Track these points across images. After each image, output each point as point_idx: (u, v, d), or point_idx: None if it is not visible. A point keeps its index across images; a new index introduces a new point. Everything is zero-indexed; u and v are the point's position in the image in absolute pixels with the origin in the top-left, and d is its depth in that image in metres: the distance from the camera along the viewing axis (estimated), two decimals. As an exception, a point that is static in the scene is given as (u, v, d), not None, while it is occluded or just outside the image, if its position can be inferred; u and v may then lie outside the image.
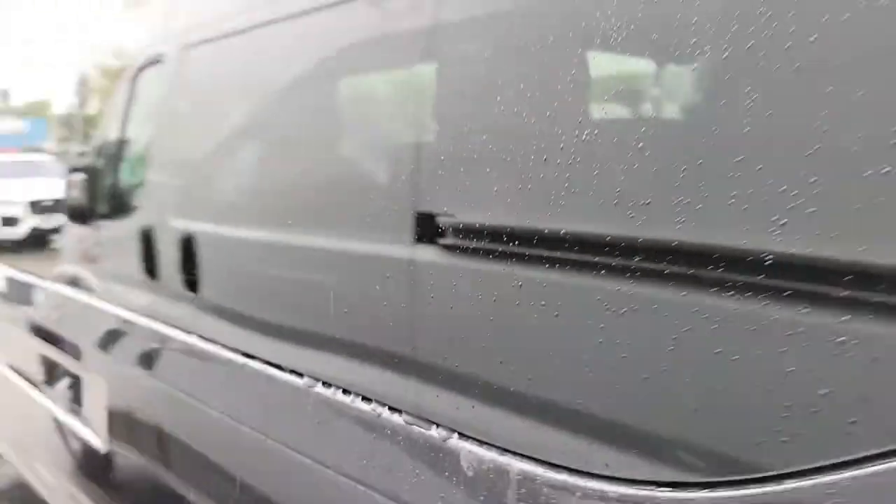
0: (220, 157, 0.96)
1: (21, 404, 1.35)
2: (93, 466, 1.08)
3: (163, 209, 1.05)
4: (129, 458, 0.99)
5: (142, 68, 1.30)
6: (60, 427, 1.19)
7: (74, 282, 1.29)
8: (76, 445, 1.13)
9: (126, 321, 1.09)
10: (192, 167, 1.02)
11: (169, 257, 1.00)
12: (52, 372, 1.27)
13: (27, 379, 1.36)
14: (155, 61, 1.23)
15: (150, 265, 1.03)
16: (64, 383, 1.22)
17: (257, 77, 0.90)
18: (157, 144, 1.12)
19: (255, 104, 0.89)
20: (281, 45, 0.83)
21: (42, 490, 1.21)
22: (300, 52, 0.79)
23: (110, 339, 1.15)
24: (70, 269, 1.34)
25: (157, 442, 0.93)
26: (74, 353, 1.21)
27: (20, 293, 1.50)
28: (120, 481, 0.96)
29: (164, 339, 1.00)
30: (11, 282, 1.56)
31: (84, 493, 1.08)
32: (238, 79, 0.96)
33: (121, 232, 1.18)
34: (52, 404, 1.24)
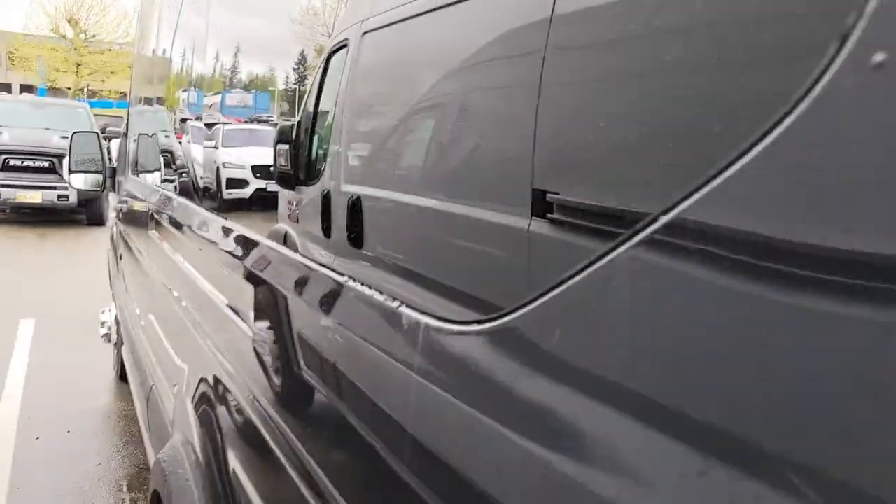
0: (378, 130, 1.12)
1: (235, 336, 1.63)
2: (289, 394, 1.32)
3: (337, 176, 1.23)
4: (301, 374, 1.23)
5: (332, 52, 1.44)
6: (257, 349, 1.46)
7: (283, 238, 1.47)
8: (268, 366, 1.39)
9: (308, 268, 1.29)
10: (358, 139, 1.19)
11: (340, 217, 1.17)
12: (257, 309, 1.53)
13: (239, 315, 1.63)
14: (342, 46, 1.38)
15: (327, 224, 1.18)
16: (258, 314, 1.49)
17: (413, 62, 1.00)
18: (338, 118, 1.23)
19: (410, 86, 0.99)
20: (436, 34, 0.92)
21: (246, 407, 1.46)
22: (450, 40, 0.88)
23: (292, 282, 1.37)
24: (281, 227, 1.53)
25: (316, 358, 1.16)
26: (269, 294, 1.47)
27: (238, 247, 1.78)
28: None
29: (318, 275, 1.20)
30: (234, 237, 1.84)
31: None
32: (396, 64, 1.09)
33: (311, 195, 1.31)
34: (253, 333, 1.52)
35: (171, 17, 3.05)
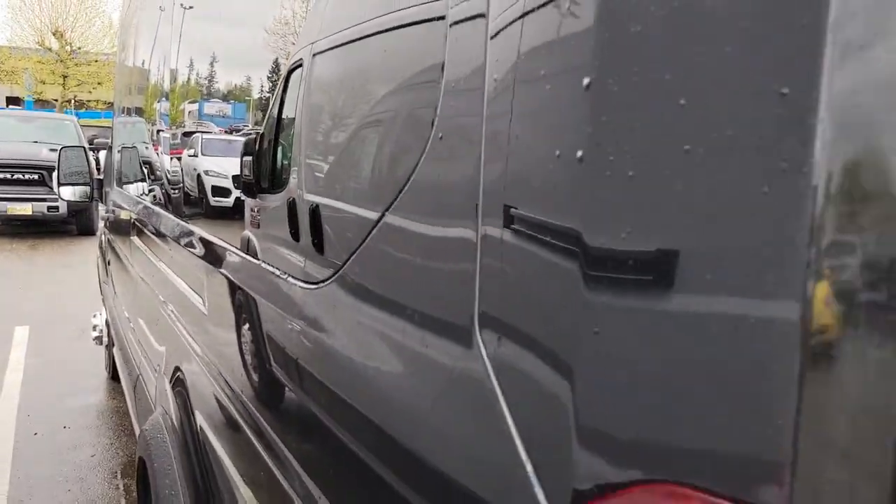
0: (325, 144, 1.25)
1: (199, 324, 1.89)
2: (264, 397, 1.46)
3: (298, 186, 1.29)
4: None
5: (290, 70, 1.61)
6: (239, 344, 1.58)
7: (247, 244, 1.58)
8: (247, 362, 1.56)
9: (263, 270, 1.45)
10: (310, 151, 1.29)
11: (302, 224, 1.24)
12: (213, 299, 1.77)
13: (202, 306, 1.89)
14: (298, 65, 1.58)
15: (294, 230, 1.28)
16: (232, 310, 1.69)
17: (348, 84, 1.17)
18: (296, 132, 1.36)
19: (349, 105, 1.15)
20: (369, 59, 1.08)
21: (210, 381, 1.73)
22: (381, 65, 1.03)
23: (253, 282, 1.58)
24: (246, 234, 1.63)
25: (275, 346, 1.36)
26: (241, 298, 1.61)
27: (212, 254, 1.91)
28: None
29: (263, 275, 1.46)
30: (205, 245, 2.05)
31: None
32: (336, 85, 1.23)
33: (273, 203, 1.43)
34: (209, 318, 1.78)
35: (149, 29, 3.15)
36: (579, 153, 0.51)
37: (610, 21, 0.49)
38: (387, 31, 0.96)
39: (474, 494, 0.63)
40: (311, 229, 1.22)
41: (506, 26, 0.63)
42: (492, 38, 0.65)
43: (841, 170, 0.38)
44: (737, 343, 0.42)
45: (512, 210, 0.61)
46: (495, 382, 0.60)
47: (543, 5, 0.57)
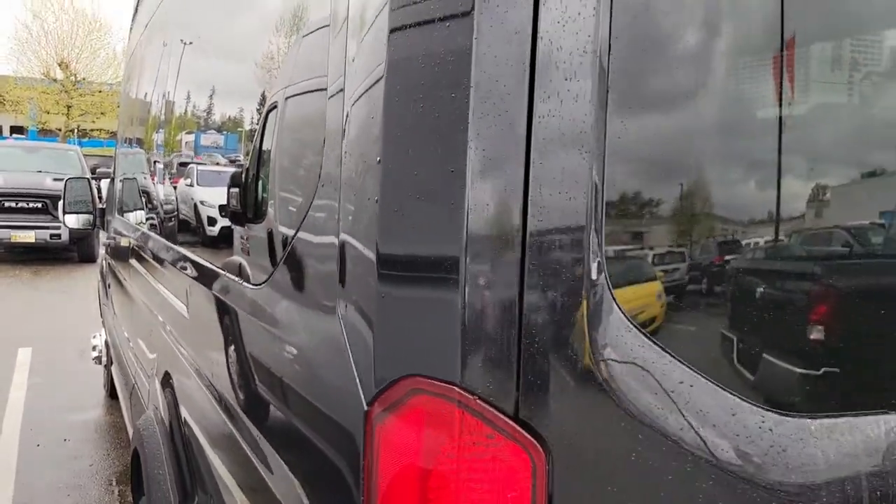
0: (289, 180, 1.47)
1: (185, 333, 2.20)
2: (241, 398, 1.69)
3: (273, 217, 1.49)
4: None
5: (269, 110, 1.68)
6: (227, 352, 1.83)
7: (235, 267, 1.73)
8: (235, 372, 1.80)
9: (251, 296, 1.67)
10: (281, 186, 1.50)
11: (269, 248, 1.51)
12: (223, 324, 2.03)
13: (187, 317, 2.20)
14: (274, 107, 1.66)
15: (273, 258, 1.46)
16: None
17: (309, 130, 1.35)
18: (271, 167, 1.59)
19: (307, 148, 1.34)
20: (326, 110, 1.26)
21: (194, 381, 2.04)
22: (334, 113, 1.21)
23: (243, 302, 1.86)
24: (235, 259, 1.79)
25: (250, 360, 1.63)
26: (228, 314, 1.82)
27: (204, 277, 2.09)
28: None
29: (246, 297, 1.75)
30: (199, 268, 2.33)
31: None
32: (299, 128, 1.44)
33: (257, 233, 1.61)
34: (191, 324, 2.09)
35: (151, 62, 3.33)
36: (376, 198, 0.90)
37: (388, 124, 0.89)
38: (304, 94, 1.30)
39: (338, 400, 1.02)
40: (284, 250, 1.53)
41: (353, 106, 1.01)
42: (346, 114, 1.01)
43: (480, 210, 0.82)
44: (435, 306, 0.84)
45: (350, 231, 1.00)
46: (344, 332, 0.98)
47: (364, 95, 0.97)
